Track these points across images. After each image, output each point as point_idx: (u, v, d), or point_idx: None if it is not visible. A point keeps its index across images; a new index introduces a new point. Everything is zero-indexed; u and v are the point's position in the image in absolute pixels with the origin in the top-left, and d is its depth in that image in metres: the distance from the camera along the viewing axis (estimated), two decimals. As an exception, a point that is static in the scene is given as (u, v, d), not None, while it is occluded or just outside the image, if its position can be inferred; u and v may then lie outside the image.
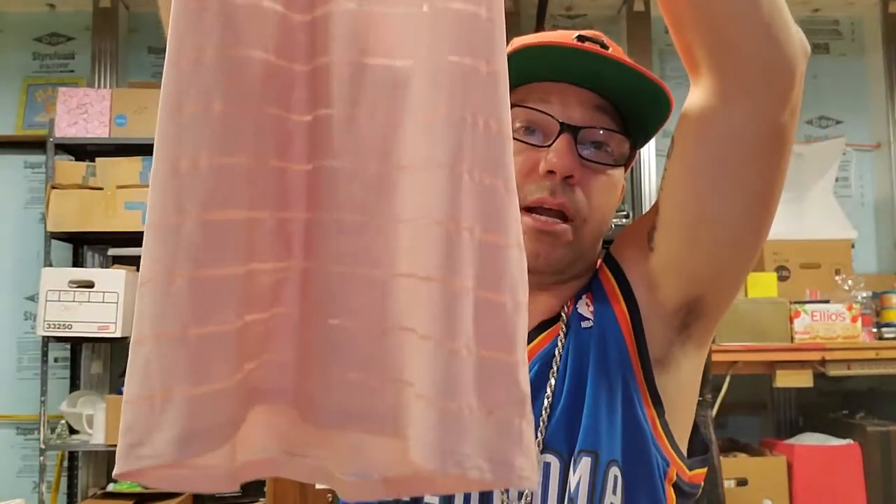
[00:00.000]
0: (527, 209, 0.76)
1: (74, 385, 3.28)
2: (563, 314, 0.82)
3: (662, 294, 0.79)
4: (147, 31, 3.59)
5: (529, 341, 0.73)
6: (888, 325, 2.92)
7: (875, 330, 2.91)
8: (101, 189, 3.04)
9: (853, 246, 3.13)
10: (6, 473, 3.35)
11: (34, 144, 3.37)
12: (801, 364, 2.78)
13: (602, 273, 0.84)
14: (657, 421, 0.78)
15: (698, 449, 0.84)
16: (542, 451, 0.75)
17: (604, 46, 0.79)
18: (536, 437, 0.74)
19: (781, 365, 2.78)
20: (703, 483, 0.83)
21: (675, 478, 0.78)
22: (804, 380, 2.78)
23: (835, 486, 2.70)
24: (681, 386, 0.81)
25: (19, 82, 3.51)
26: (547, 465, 0.75)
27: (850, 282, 2.96)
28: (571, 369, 0.78)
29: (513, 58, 0.69)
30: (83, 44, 3.53)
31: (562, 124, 0.76)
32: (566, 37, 0.80)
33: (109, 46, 3.45)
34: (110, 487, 3.13)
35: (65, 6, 3.54)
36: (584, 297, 0.83)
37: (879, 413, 2.98)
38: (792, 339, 2.81)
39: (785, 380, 2.78)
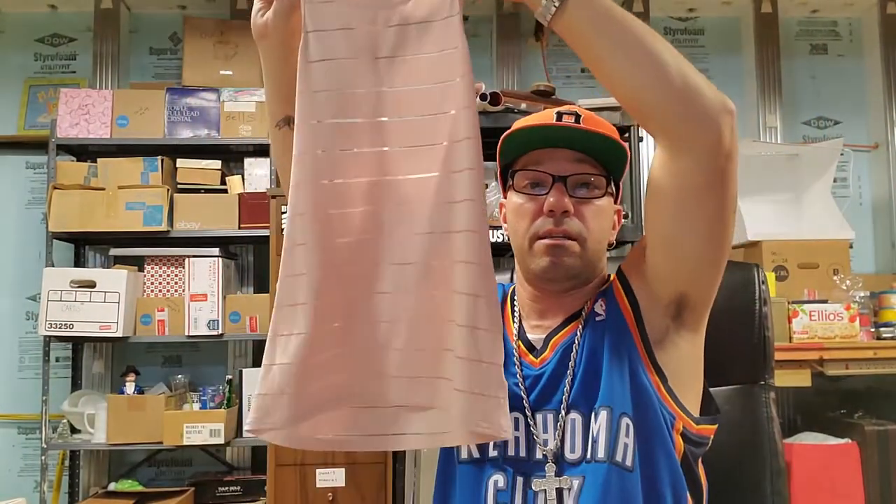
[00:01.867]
0: (540, 237, 1.06)
1: (76, 384, 3.29)
2: (583, 312, 1.09)
3: (656, 293, 1.04)
4: (148, 32, 3.60)
5: (555, 333, 1.09)
6: (886, 324, 2.93)
7: (873, 329, 2.92)
8: (102, 189, 3.06)
9: (851, 246, 3.14)
10: (8, 473, 3.36)
11: (36, 145, 3.39)
12: (800, 364, 2.79)
13: (615, 283, 1.10)
14: (661, 386, 1.02)
15: (710, 411, 1.08)
16: (567, 412, 1.02)
17: (577, 115, 1.06)
18: (562, 400, 1.03)
19: (779, 364, 2.76)
20: (712, 436, 1.06)
21: (681, 428, 1.02)
22: (802, 379, 2.79)
23: (833, 485, 2.71)
24: (681, 360, 1.04)
25: (21, 83, 3.52)
26: (573, 420, 1.02)
27: (848, 282, 2.97)
28: (588, 351, 1.05)
29: (513, 136, 1.09)
30: (85, 45, 3.55)
31: (553, 177, 1.05)
32: (548, 116, 1.08)
33: (111, 47, 3.46)
34: (111, 487, 3.14)
35: (66, 7, 3.56)
36: (599, 300, 1.10)
37: (877, 412, 2.98)
38: (790, 338, 2.82)
39: (783, 379, 2.78)
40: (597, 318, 1.07)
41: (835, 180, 3.38)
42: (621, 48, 0.88)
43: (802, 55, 3.74)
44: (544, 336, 1.09)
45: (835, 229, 3.12)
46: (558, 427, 1.02)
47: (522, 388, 1.05)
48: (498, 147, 1.12)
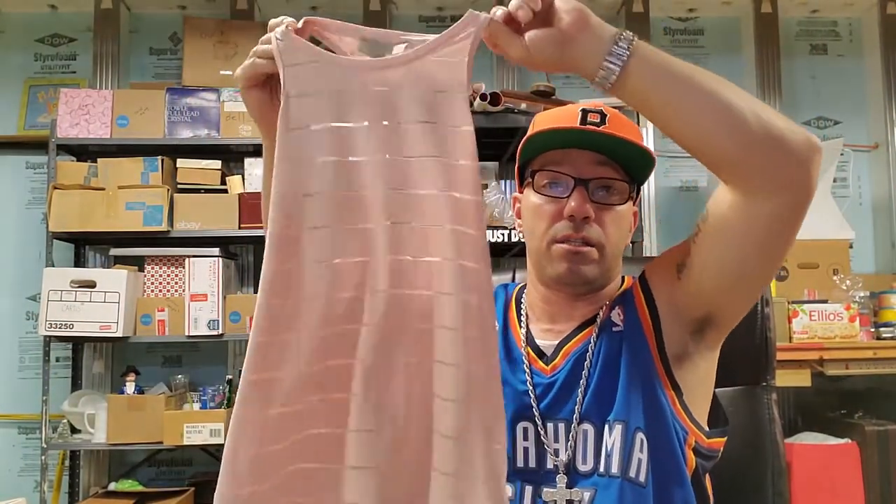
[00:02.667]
0: (558, 241, 1.03)
1: (76, 384, 3.29)
2: (598, 318, 1.06)
3: (682, 309, 1.01)
4: (148, 33, 3.60)
5: (568, 340, 1.06)
6: (886, 324, 2.93)
7: (873, 329, 2.93)
8: (102, 189, 3.05)
9: (851, 246, 3.15)
10: (8, 473, 3.36)
11: (36, 145, 3.38)
12: (800, 364, 2.79)
13: (635, 290, 1.07)
14: (676, 401, 1.00)
15: (720, 422, 1.06)
16: (579, 422, 1.00)
17: (603, 115, 1.03)
18: (575, 410, 1.00)
19: (780, 364, 2.73)
20: (721, 448, 1.05)
21: (693, 443, 1.01)
22: (802, 379, 2.79)
23: (833, 485, 2.71)
24: (698, 375, 1.02)
25: (21, 83, 3.52)
26: (585, 431, 1.00)
27: (848, 282, 2.97)
28: (602, 362, 1.02)
29: (535, 136, 1.05)
30: (85, 45, 3.54)
31: (576, 179, 1.02)
32: (572, 116, 1.03)
33: (111, 47, 3.46)
34: (111, 486, 3.14)
35: (66, 7, 3.56)
36: (617, 307, 1.07)
37: (877, 412, 2.99)
38: (790, 338, 2.82)
39: (783, 379, 2.78)
40: (614, 329, 1.05)
41: (835, 180, 3.38)
42: (688, 103, 0.84)
43: (802, 55, 3.74)
44: (556, 342, 1.07)
45: (835, 229, 3.12)
46: (570, 438, 1.00)
47: (533, 395, 1.03)
48: (520, 145, 1.09)
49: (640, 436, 0.97)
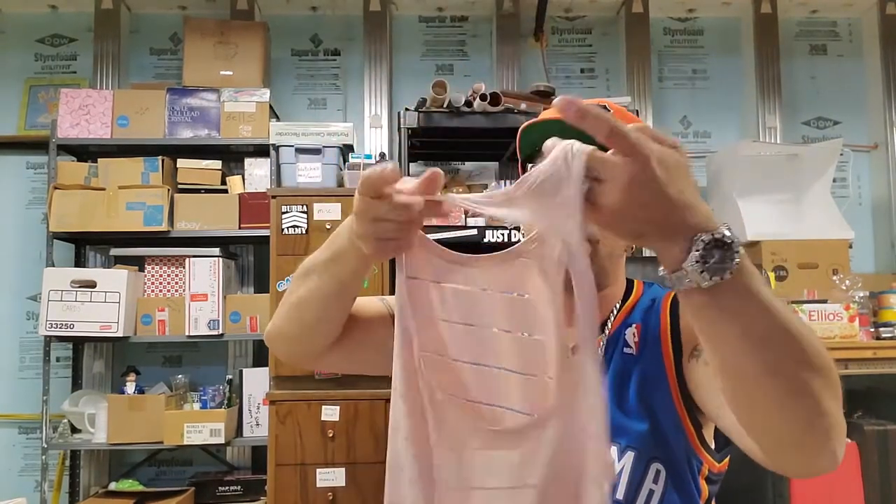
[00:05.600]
0: None
1: (76, 384, 3.29)
2: (606, 328, 1.01)
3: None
4: (149, 33, 3.60)
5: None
6: (886, 324, 2.93)
7: (873, 329, 2.92)
8: (102, 189, 3.06)
9: (851, 246, 3.14)
10: (8, 472, 3.36)
11: (36, 145, 3.39)
12: (799, 363, 2.79)
13: (662, 312, 1.00)
14: (695, 435, 0.96)
15: (721, 440, 0.99)
16: None
17: (606, 109, 0.91)
18: None
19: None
20: (727, 468, 1.01)
21: (707, 473, 0.97)
22: (802, 379, 2.79)
23: (833, 485, 2.71)
24: (715, 408, 0.91)
25: (21, 83, 3.53)
26: None
27: (847, 281, 2.97)
28: (611, 377, 0.97)
29: (531, 128, 1.00)
30: (85, 45, 3.55)
31: None
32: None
33: (111, 48, 3.47)
34: (112, 486, 3.14)
35: (67, 7, 3.56)
36: (633, 326, 1.01)
37: (877, 412, 2.99)
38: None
39: (783, 379, 2.79)
40: (625, 350, 0.99)
41: (834, 180, 3.38)
42: (768, 353, 0.65)
43: (802, 55, 3.75)
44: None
45: (834, 229, 3.12)
46: None
47: None
48: (517, 139, 1.05)
49: (655, 466, 0.93)
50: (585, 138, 0.72)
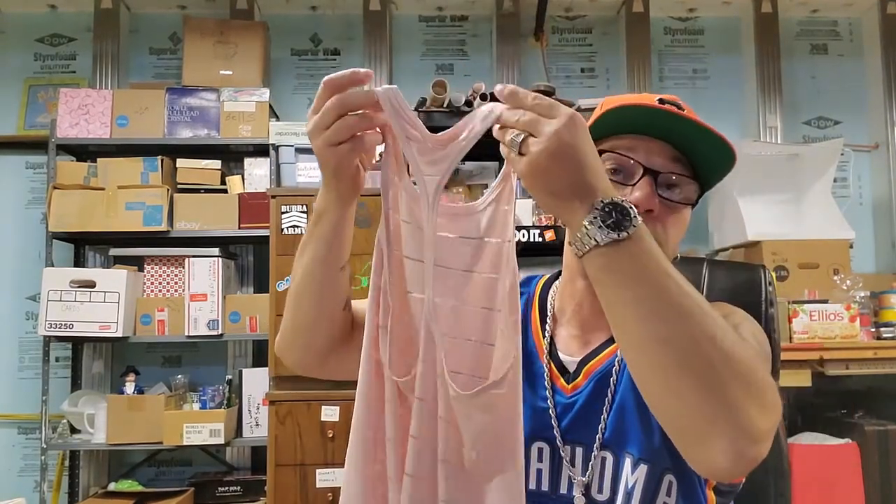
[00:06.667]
0: None
1: (76, 384, 3.29)
2: None
3: None
4: (148, 32, 3.60)
5: (593, 357, 0.97)
6: (886, 324, 2.93)
7: (873, 329, 2.92)
8: (102, 189, 3.05)
9: (851, 246, 3.14)
10: (8, 473, 3.36)
11: (36, 145, 3.38)
12: (800, 364, 2.78)
13: None
14: None
15: None
16: (599, 449, 0.93)
17: (679, 107, 0.94)
18: (595, 437, 0.93)
19: (780, 364, 2.77)
20: (743, 480, 0.96)
21: (714, 483, 0.93)
22: (803, 379, 2.79)
23: (833, 485, 2.71)
24: None
25: (21, 83, 3.52)
26: (604, 459, 0.93)
27: (848, 281, 2.97)
28: (626, 388, 0.93)
29: (607, 114, 0.95)
30: (84, 44, 3.54)
31: (645, 168, 0.92)
32: (649, 99, 0.95)
33: (111, 47, 3.46)
34: (111, 486, 3.14)
35: (66, 7, 3.56)
36: None
37: (878, 412, 2.98)
38: (790, 338, 2.82)
39: (783, 379, 2.76)
40: None
41: (835, 180, 3.38)
42: (663, 318, 0.70)
43: (802, 55, 3.74)
44: (579, 358, 0.98)
45: (835, 229, 3.12)
46: (590, 466, 0.93)
47: (553, 415, 0.96)
48: (595, 116, 0.98)
49: (668, 478, 0.90)
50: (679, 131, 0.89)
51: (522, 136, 0.70)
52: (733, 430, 0.68)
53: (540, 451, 0.95)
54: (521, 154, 0.70)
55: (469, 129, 0.74)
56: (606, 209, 0.68)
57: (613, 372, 0.95)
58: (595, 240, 0.69)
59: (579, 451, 0.94)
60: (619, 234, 0.68)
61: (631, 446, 0.91)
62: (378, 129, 0.79)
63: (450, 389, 0.74)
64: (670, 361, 0.69)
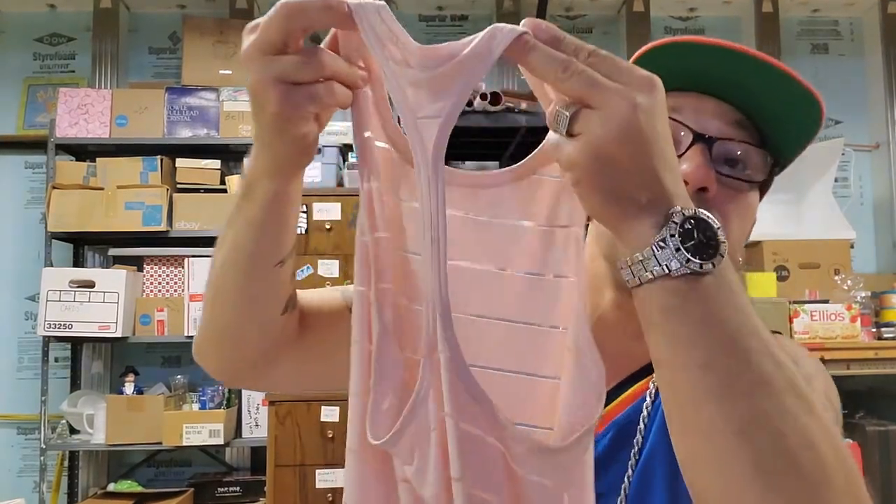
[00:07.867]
0: None
1: (75, 385, 3.28)
2: None
3: None
4: (147, 32, 3.59)
5: (611, 400, 0.70)
6: (887, 324, 2.92)
7: (874, 330, 2.92)
8: (101, 189, 3.05)
9: (852, 246, 3.14)
10: (7, 473, 3.35)
11: (35, 145, 3.38)
12: (801, 364, 2.78)
13: None
14: None
15: None
16: None
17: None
18: (619, 498, 0.69)
19: (781, 365, 2.77)
20: None
21: None
22: (803, 379, 2.78)
23: (834, 485, 2.70)
24: None
25: (20, 82, 3.51)
26: None
27: (849, 282, 2.96)
28: (655, 442, 0.68)
29: (640, 60, 0.69)
30: (84, 44, 3.54)
31: (696, 134, 0.67)
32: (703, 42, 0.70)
33: (110, 47, 3.46)
34: (110, 487, 3.14)
35: (65, 7, 3.55)
36: None
37: (879, 413, 2.98)
38: (791, 338, 2.81)
39: (784, 379, 2.78)
40: None
41: (836, 180, 3.37)
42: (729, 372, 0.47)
43: (803, 55, 3.74)
44: None
45: (836, 229, 3.11)
46: None
47: None
48: (638, 55, 0.74)
49: None
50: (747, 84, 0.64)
51: (574, 108, 0.47)
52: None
53: None
54: (569, 135, 0.47)
55: (472, 47, 0.50)
56: (687, 225, 0.46)
57: (641, 420, 0.70)
58: (666, 267, 0.46)
59: None
60: (702, 265, 0.46)
61: None
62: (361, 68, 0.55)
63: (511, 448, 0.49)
64: (747, 467, 0.46)
